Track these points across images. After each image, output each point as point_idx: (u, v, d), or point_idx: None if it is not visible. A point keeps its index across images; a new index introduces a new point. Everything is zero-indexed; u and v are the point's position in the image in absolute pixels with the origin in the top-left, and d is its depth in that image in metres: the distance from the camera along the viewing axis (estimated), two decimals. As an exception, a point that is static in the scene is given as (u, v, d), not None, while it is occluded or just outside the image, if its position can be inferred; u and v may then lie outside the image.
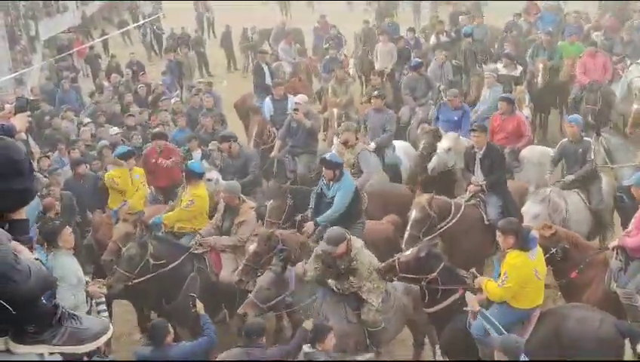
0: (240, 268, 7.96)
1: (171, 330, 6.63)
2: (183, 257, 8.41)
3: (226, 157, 11.08)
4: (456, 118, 11.51)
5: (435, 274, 7.04)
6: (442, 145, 10.46)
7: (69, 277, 7.09)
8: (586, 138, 9.56)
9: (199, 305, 7.09)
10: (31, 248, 3.22)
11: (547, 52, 15.11)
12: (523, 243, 6.66)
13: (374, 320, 7.36)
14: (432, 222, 8.46)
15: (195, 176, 9.12)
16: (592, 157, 9.28)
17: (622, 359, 6.62)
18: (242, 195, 9.12)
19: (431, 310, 7.25)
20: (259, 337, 6.47)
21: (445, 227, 8.65)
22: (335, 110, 13.77)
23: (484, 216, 8.94)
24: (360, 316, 7.39)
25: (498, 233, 6.85)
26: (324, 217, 8.60)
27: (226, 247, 8.74)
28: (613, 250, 7.49)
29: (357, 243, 7.42)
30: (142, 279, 8.11)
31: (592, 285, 7.49)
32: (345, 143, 10.32)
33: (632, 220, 7.60)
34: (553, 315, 6.94)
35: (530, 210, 8.81)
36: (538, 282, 6.77)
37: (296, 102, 12.08)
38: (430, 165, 10.38)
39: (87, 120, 14.55)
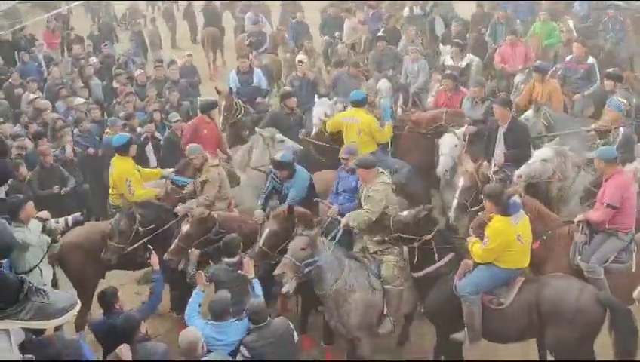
0: (172, 246, 7.79)
1: (119, 296, 6.59)
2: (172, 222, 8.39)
3: (283, 114, 11.08)
4: (354, 184, 8.59)
5: (429, 236, 7.29)
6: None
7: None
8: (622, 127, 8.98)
9: (154, 259, 7.10)
10: None
11: (505, 27, 14.84)
12: (503, 208, 6.92)
13: (394, 275, 7.49)
14: (477, 191, 8.25)
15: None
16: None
17: (599, 329, 6.79)
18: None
19: (418, 274, 7.46)
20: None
21: None
22: None
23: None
24: (382, 283, 7.50)
25: (483, 197, 7.12)
26: None
27: None
28: (577, 224, 7.59)
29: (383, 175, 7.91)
30: (134, 246, 8.14)
31: (555, 257, 7.58)
32: None
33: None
34: (534, 283, 7.14)
35: (541, 153, 8.66)
36: (522, 246, 6.98)
37: (299, 60, 13.01)
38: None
39: (33, 96, 13.71)
